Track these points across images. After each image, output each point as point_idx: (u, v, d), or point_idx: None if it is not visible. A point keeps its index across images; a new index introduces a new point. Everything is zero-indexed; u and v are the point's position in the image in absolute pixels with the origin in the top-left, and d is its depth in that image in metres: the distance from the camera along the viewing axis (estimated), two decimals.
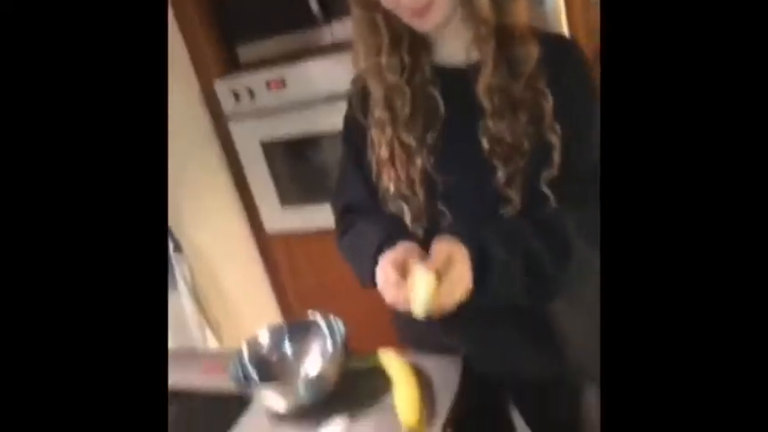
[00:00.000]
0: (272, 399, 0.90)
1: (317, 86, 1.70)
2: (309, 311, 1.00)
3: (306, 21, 1.69)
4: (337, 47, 1.69)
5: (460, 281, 0.77)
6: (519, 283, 0.80)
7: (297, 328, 1.02)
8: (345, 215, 0.99)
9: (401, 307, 0.79)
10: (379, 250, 0.84)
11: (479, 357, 0.93)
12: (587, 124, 0.83)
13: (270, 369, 0.98)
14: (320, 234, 1.88)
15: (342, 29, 1.68)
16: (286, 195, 1.92)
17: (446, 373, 0.91)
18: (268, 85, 1.75)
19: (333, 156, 1.79)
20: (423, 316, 0.75)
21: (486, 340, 0.93)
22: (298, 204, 1.92)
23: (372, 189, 0.94)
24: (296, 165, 1.90)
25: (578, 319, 0.91)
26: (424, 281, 0.74)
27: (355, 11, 0.86)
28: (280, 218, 1.95)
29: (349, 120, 0.97)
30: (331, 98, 1.68)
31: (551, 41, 0.84)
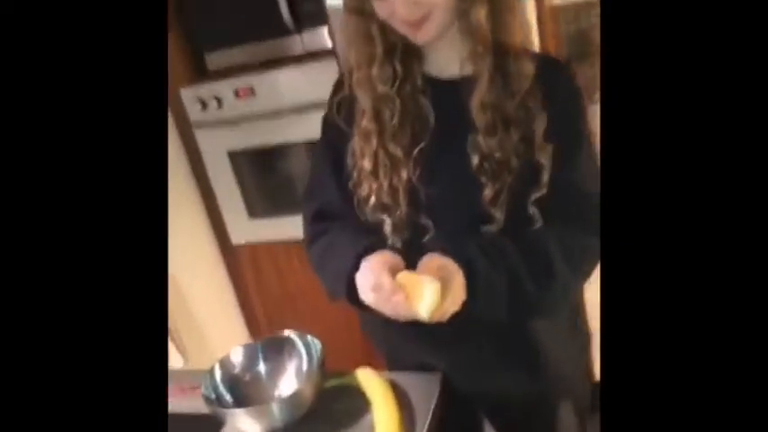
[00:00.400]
0: (245, 422, 0.87)
1: (287, 96, 1.67)
2: (286, 331, 0.98)
3: (277, 29, 1.67)
4: (308, 56, 1.67)
5: (460, 290, 0.76)
6: (502, 299, 0.80)
7: (271, 347, 0.99)
8: (317, 221, 0.95)
9: (395, 312, 0.76)
10: (357, 263, 0.81)
11: (458, 375, 0.93)
12: (575, 146, 0.83)
13: (243, 389, 0.95)
14: (287, 246, 1.85)
15: (313, 38, 1.67)
16: (253, 206, 1.88)
17: (424, 390, 0.90)
18: (236, 93, 1.72)
19: (302, 166, 1.77)
20: (428, 320, 0.74)
21: (465, 358, 0.92)
22: (265, 216, 1.88)
23: (348, 195, 0.90)
24: (264, 175, 1.87)
25: (559, 337, 0.92)
26: (430, 288, 0.73)
27: (350, 20, 0.83)
28: (247, 229, 1.91)
29: (328, 123, 0.94)
30: (300, 108, 1.66)
31: (545, 62, 0.84)
